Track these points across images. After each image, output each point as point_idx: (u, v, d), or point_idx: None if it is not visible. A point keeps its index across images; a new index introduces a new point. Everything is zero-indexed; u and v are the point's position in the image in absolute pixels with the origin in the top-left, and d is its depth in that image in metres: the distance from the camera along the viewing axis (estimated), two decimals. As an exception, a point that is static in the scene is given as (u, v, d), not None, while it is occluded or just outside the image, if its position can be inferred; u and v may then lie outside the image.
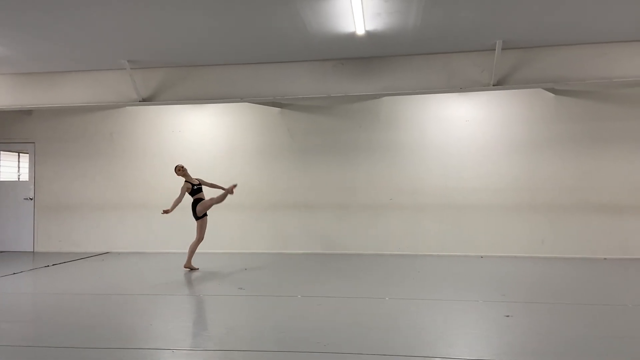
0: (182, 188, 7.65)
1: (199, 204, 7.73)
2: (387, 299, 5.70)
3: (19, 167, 10.73)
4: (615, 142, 8.78)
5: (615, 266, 7.87)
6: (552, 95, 8.92)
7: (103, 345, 4.07)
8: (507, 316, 4.85)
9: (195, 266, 7.91)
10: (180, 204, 7.58)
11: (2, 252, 10.30)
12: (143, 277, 7.45)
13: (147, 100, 8.67)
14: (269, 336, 4.34)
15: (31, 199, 10.46)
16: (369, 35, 6.94)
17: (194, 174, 10.20)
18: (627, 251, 8.65)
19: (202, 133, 10.09)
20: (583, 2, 6.05)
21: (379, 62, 8.05)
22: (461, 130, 9.27)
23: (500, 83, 7.64)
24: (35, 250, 10.42)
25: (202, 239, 7.87)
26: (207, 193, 8.11)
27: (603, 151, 8.81)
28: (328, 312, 5.16)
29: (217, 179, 9.97)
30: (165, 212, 7.52)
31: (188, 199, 7.78)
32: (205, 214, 7.85)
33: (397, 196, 9.40)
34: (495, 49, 7.30)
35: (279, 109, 9.76)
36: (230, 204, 9.83)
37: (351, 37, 7.02)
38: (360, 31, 6.74)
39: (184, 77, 8.58)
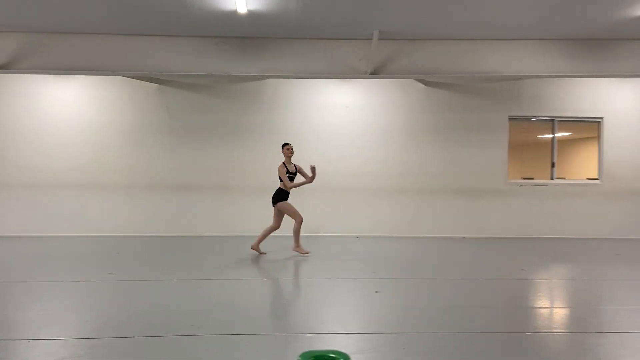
0: (283, 172, 7.13)
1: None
2: (265, 279, 5.76)
3: None
4: (476, 131, 9.67)
5: (472, 244, 8.73)
6: (423, 86, 9.55)
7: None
8: (376, 292, 5.15)
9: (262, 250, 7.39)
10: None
11: None
12: (3, 263, 6.72)
13: (2, 67, 7.74)
14: (139, 321, 4.16)
15: None
16: (251, 14, 6.84)
17: (58, 152, 9.41)
18: (483, 231, 9.64)
19: (69, 107, 9.26)
20: (446, 1, 6.52)
21: (261, 43, 7.98)
22: (341, 115, 9.57)
23: (376, 72, 7.99)
24: None
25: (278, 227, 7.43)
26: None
27: (465, 140, 9.66)
28: (205, 294, 5.08)
29: (87, 158, 9.32)
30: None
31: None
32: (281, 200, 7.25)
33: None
34: (372, 39, 7.60)
35: (157, 85, 9.28)
36: (101, 183, 9.25)
37: (233, 15, 6.87)
38: (241, 9, 6.62)
39: (47, 45, 7.78)
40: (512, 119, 9.77)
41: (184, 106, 9.39)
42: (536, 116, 9.91)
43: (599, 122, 9.88)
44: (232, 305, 4.66)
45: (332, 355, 1.89)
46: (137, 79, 9.08)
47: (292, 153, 7.23)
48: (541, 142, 11.60)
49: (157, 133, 9.38)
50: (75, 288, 5.40)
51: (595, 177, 9.97)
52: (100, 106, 9.31)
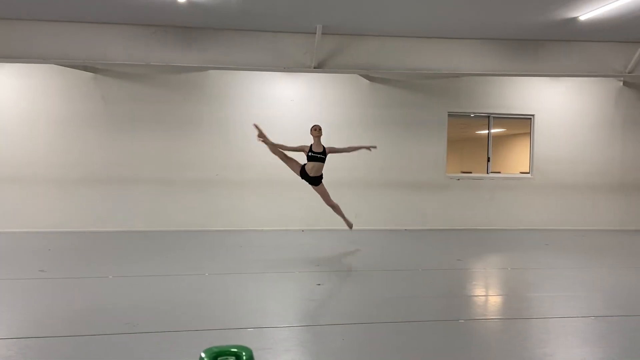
0: (301, 146, 7.09)
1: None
2: (207, 274, 5.68)
3: None
4: (417, 126, 9.92)
5: (413, 236, 8.98)
6: (367, 81, 9.68)
7: None
8: (318, 284, 5.21)
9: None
10: None
11: None
12: None
13: None
14: (72, 320, 4.01)
15: None
16: (191, 3, 6.70)
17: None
18: (425, 223, 9.94)
19: (-4, 96, 8.74)
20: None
21: (203, 33, 7.84)
22: (286, 109, 9.55)
23: (320, 66, 8.04)
24: None
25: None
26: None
27: (407, 134, 9.90)
28: (142, 291, 4.95)
29: (17, 150, 8.86)
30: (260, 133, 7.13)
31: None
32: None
33: (223, 171, 9.36)
34: (315, 33, 7.64)
35: (92, 74, 8.90)
36: (32, 177, 8.82)
37: (172, 4, 6.70)
38: (181, -2, 6.49)
39: (-29, 29, 7.31)
40: (451, 114, 10.10)
41: (121, 96, 9.06)
42: (474, 112, 10.29)
43: (530, 118, 10.39)
44: (170, 301, 4.57)
45: (234, 350, 2.00)
46: (71, 68, 8.67)
47: (319, 134, 7.12)
48: (479, 137, 12.08)
49: (92, 124, 9.01)
50: (3, 286, 5.13)
51: (527, 171, 10.50)
52: (31, 95, 8.82)
